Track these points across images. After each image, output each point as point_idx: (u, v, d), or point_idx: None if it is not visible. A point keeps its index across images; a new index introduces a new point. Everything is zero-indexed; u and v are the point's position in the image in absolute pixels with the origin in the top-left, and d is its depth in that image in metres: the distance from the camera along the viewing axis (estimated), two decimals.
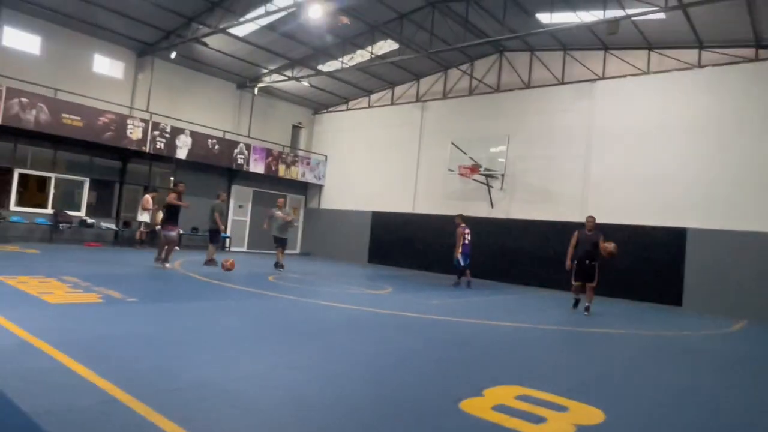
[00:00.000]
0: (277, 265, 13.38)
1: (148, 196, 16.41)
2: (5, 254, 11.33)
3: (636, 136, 14.22)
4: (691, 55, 13.66)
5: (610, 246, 9.64)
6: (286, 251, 13.83)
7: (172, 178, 18.14)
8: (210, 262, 12.45)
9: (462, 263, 13.43)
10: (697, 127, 13.31)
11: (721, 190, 12.80)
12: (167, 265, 11.39)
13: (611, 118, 14.74)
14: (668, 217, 13.44)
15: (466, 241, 13.46)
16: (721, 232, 12.64)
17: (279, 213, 13.63)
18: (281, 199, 14.52)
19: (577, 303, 10.27)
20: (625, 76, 14.69)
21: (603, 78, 15.09)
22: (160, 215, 17.20)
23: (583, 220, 14.69)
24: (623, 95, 14.65)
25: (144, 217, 16.37)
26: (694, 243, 13.00)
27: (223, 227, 12.99)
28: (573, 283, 10.11)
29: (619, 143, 14.48)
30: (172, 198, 11.70)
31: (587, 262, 9.79)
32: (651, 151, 13.92)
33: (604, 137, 14.80)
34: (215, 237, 12.89)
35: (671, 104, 13.80)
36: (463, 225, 13.63)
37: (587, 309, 9.75)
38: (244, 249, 20.15)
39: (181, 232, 17.70)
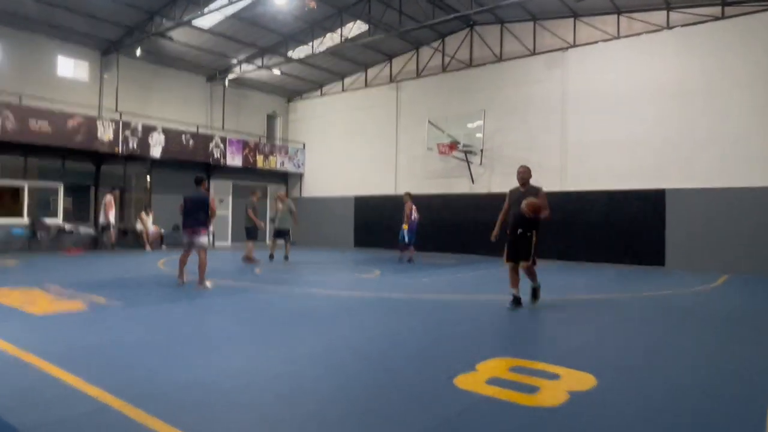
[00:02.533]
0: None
1: (110, 196, 15.98)
2: None
3: (610, 101, 14.31)
4: (659, 17, 13.73)
5: (528, 204, 6.71)
6: (278, 242, 13.80)
7: (148, 177, 17.86)
8: (248, 259, 12.83)
9: (407, 239, 13.63)
10: (669, 88, 13.44)
11: (696, 148, 12.99)
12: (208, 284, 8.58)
13: (585, 86, 14.81)
14: (646, 180, 13.63)
15: (413, 218, 13.59)
16: (699, 191, 12.87)
17: (280, 205, 13.62)
18: (281, 192, 14.51)
19: (517, 301, 6.90)
20: (596, 42, 14.73)
21: (574, 46, 15.11)
22: (145, 217, 16.94)
23: (564, 188, 15.03)
24: (595, 61, 14.71)
25: (101, 218, 15.81)
26: (673, 203, 13.22)
27: (260, 224, 13.07)
28: (505, 263, 7.13)
29: (594, 110, 14.57)
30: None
31: (519, 231, 6.93)
32: (626, 115, 14.03)
33: (579, 105, 14.88)
34: (251, 233, 13.04)
35: (643, 67, 13.89)
36: (410, 203, 13.74)
37: (534, 294, 7.01)
38: (228, 243, 20.00)
39: (163, 231, 17.54)
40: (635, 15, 14.04)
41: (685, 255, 12.97)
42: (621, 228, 13.90)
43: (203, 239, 8.64)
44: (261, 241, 13.86)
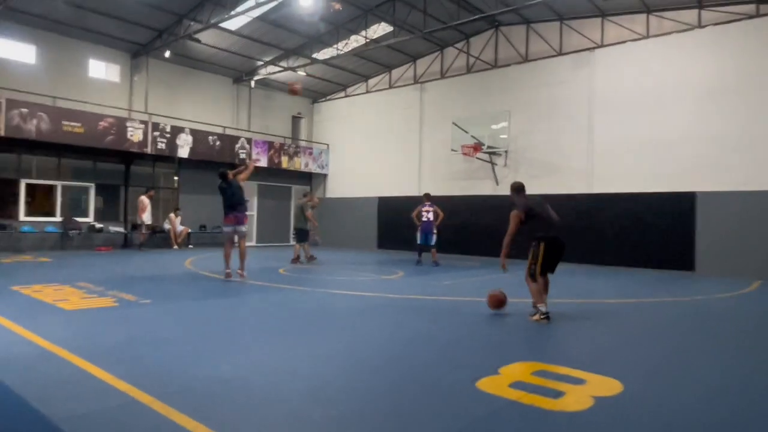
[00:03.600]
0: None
1: (144, 197, 16.32)
2: (19, 264, 11.45)
3: (639, 102, 14.05)
4: (690, 15, 13.42)
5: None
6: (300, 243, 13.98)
7: (176, 178, 18.19)
8: (311, 258, 13.41)
9: (419, 241, 13.48)
10: (700, 88, 13.13)
11: (728, 150, 12.64)
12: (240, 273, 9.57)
13: (612, 86, 14.56)
14: (676, 182, 13.32)
15: (424, 219, 13.34)
16: (730, 194, 12.52)
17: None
18: (312, 196, 14.77)
19: (543, 314, 6.32)
20: (624, 42, 14.46)
21: (602, 46, 14.87)
22: (173, 218, 17.23)
23: (589, 191, 14.80)
24: (623, 62, 14.44)
25: (145, 218, 16.16)
26: (704, 206, 12.89)
27: (315, 224, 13.48)
28: None
29: (622, 111, 14.32)
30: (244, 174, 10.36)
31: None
32: (655, 116, 13.75)
33: (606, 106, 14.63)
34: (302, 236, 13.34)
35: (673, 67, 13.60)
36: (427, 203, 13.51)
37: (532, 313, 6.50)
38: (253, 243, 20.23)
39: (189, 230, 17.83)
40: (665, 14, 13.75)
41: (715, 260, 12.64)
42: (649, 232, 13.61)
43: (244, 228, 9.61)
44: (288, 243, 13.93)
